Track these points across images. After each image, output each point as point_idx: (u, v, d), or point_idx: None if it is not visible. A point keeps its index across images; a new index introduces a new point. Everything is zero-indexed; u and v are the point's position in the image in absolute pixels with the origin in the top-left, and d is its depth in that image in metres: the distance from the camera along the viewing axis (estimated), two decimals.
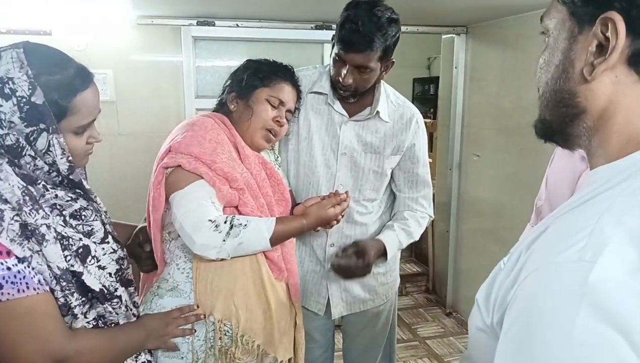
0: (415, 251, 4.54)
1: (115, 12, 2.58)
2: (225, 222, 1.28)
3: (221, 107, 1.51)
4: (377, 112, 1.62)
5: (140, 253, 1.38)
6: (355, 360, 1.95)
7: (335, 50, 1.51)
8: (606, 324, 0.44)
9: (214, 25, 2.77)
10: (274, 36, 2.86)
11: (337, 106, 1.64)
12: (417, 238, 1.76)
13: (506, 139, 2.82)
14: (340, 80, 1.52)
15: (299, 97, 1.55)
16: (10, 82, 0.96)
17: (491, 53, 2.95)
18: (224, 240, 1.26)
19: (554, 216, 0.61)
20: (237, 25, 2.80)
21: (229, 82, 1.51)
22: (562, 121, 0.66)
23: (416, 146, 1.71)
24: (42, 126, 0.98)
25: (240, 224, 1.29)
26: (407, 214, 1.75)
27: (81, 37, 2.62)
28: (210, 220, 1.27)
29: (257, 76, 1.45)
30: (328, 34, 2.89)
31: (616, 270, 0.46)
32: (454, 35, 3.22)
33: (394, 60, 1.57)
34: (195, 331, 1.33)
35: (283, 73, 1.49)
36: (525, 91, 2.63)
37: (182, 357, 1.32)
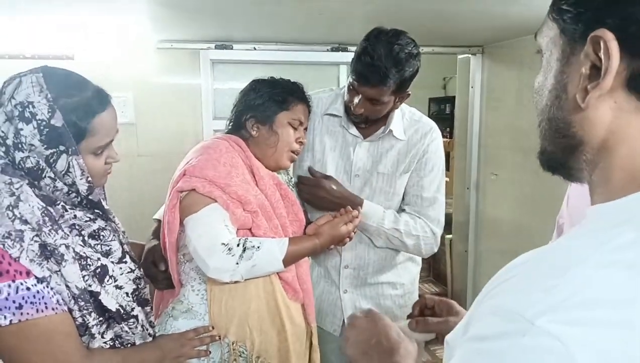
0: (433, 271, 4.49)
1: (136, 37, 2.65)
2: (238, 245, 1.29)
3: (236, 130, 1.52)
4: (391, 130, 1.62)
5: (156, 273, 1.39)
6: None
7: (350, 79, 1.52)
8: None
9: (231, 48, 2.82)
10: (291, 58, 2.90)
11: (352, 128, 1.65)
12: (402, 231, 1.63)
13: (524, 158, 2.80)
14: (352, 108, 1.54)
15: (310, 111, 1.57)
16: (30, 106, 0.99)
17: (507, 73, 2.95)
18: (237, 263, 1.27)
19: (521, 262, 0.52)
20: (255, 48, 2.84)
21: (242, 107, 1.52)
22: (562, 153, 0.58)
23: (426, 156, 1.65)
24: (61, 148, 1.01)
25: (253, 246, 1.30)
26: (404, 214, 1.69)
27: (102, 61, 2.68)
28: (224, 243, 1.28)
29: (275, 100, 1.48)
30: (344, 56, 2.93)
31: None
32: (469, 55, 3.23)
33: (409, 93, 1.55)
34: (210, 352, 1.34)
35: (297, 93, 1.51)
36: None
37: None
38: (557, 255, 0.49)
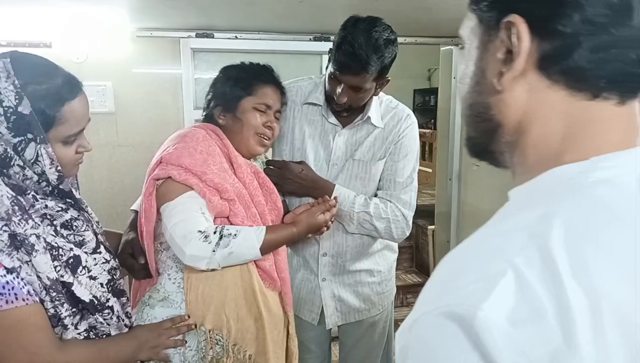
0: (416, 262, 4.52)
1: (114, 25, 2.60)
2: (214, 232, 1.28)
3: (209, 119, 1.51)
4: (368, 118, 1.62)
5: (133, 264, 1.38)
6: None
7: (331, 68, 1.51)
8: None
9: (212, 37, 2.78)
10: (273, 48, 2.87)
11: (331, 117, 1.65)
12: (372, 213, 1.62)
13: None
14: (335, 98, 1.53)
15: (283, 93, 1.56)
16: None
17: None
18: (214, 251, 1.26)
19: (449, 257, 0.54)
20: (236, 37, 2.81)
21: (210, 95, 1.52)
22: (484, 137, 0.60)
23: (401, 141, 1.66)
24: (29, 136, 0.99)
25: (230, 234, 1.29)
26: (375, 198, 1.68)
27: (81, 49, 2.64)
28: (200, 231, 1.27)
29: (238, 86, 1.46)
30: (326, 45, 2.90)
31: (499, 318, 0.41)
32: (452, 47, 3.23)
33: (389, 78, 1.56)
34: (187, 342, 1.33)
35: (264, 76, 1.50)
36: None
37: None
38: (474, 247, 0.51)
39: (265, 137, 1.49)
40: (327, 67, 1.59)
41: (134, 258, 1.38)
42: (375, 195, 1.70)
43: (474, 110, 0.60)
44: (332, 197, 1.58)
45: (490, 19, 0.55)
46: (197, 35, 2.76)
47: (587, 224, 0.45)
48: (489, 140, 0.59)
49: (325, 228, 1.53)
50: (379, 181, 1.69)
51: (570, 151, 0.51)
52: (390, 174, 1.67)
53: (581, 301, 0.40)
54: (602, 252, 0.43)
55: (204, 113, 1.54)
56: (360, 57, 1.42)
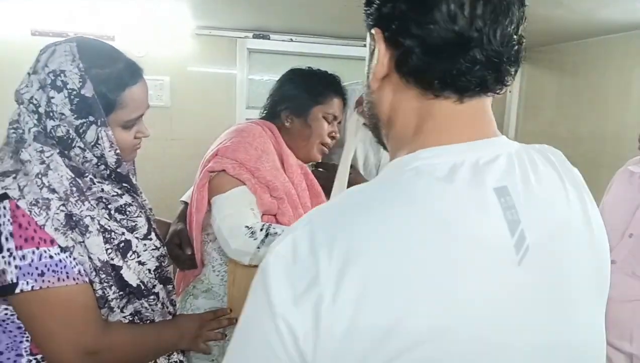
0: None
1: (175, 21, 2.66)
2: (261, 229, 1.28)
3: (270, 119, 1.51)
4: None
5: (179, 255, 1.40)
6: None
7: None
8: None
9: (269, 38, 2.82)
10: (326, 52, 2.89)
11: None
12: None
13: None
14: None
15: (345, 105, 1.55)
16: (62, 74, 0.99)
17: (548, 79, 2.86)
18: (258, 247, 1.26)
19: None
20: (291, 40, 2.84)
21: (278, 97, 1.52)
22: (374, 130, 0.71)
23: None
24: (91, 118, 1.01)
25: (276, 233, 1.29)
26: None
27: (142, 44, 2.71)
28: (247, 226, 1.27)
29: (312, 94, 1.47)
30: None
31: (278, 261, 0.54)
32: None
33: None
34: (227, 336, 1.33)
35: (334, 86, 1.50)
36: (582, 120, 2.53)
37: (213, 360, 1.32)
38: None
39: (327, 146, 1.50)
40: None
41: (180, 249, 1.40)
42: None
43: (367, 107, 0.70)
44: None
45: (369, 28, 0.64)
46: (254, 36, 2.80)
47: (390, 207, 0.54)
48: (377, 132, 0.70)
49: None
50: None
51: (413, 143, 0.61)
52: None
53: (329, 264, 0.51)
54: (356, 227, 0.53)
55: (265, 111, 1.54)
56: None
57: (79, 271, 0.99)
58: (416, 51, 0.58)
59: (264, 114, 1.54)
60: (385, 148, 0.71)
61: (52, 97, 0.99)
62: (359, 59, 3.01)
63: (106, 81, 1.02)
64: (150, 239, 1.16)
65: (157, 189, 2.91)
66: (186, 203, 1.50)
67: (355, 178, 1.58)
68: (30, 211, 0.94)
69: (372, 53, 0.64)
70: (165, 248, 1.22)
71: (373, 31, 0.62)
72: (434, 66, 0.58)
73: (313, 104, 1.45)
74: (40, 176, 0.97)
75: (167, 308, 1.21)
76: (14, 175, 0.97)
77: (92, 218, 1.02)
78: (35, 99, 1.00)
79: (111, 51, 1.07)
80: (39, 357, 1.02)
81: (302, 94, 1.46)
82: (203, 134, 2.86)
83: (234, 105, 2.89)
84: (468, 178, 0.55)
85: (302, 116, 1.46)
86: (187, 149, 2.86)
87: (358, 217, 0.53)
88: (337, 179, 1.30)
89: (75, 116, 1.00)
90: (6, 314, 1.00)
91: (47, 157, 1.00)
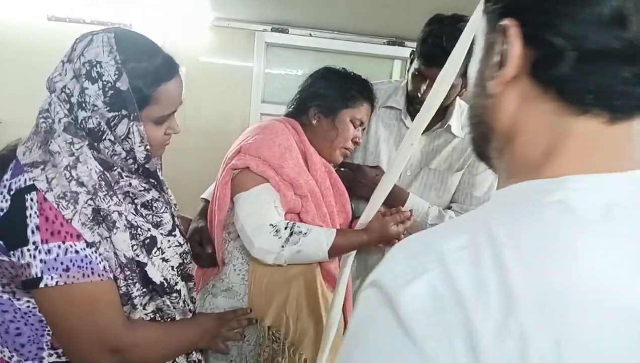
0: None
1: (193, 12, 2.64)
2: (285, 228, 1.26)
3: (296, 115, 1.49)
4: (449, 126, 1.57)
5: (200, 252, 1.38)
6: None
7: (416, 65, 1.48)
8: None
9: (287, 32, 2.79)
10: (345, 48, 2.86)
11: (409, 122, 1.60)
12: None
13: None
14: (419, 95, 1.48)
15: (372, 111, 1.53)
16: (98, 65, 0.97)
17: None
18: (283, 246, 1.24)
19: None
20: (310, 35, 2.81)
21: (309, 93, 1.49)
22: (480, 141, 0.59)
23: None
24: (124, 112, 0.99)
25: (301, 232, 1.26)
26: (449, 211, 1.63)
27: (159, 34, 2.68)
28: (272, 224, 1.25)
29: (343, 95, 1.44)
30: (399, 51, 2.87)
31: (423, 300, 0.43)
32: None
33: None
34: (245, 336, 1.31)
35: (366, 92, 1.48)
36: None
37: (231, 360, 1.31)
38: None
39: (349, 151, 1.48)
40: (408, 70, 1.55)
41: (201, 246, 1.38)
42: (449, 208, 1.64)
43: (472, 112, 0.60)
44: (405, 206, 1.53)
45: (492, 22, 0.54)
46: (272, 30, 2.77)
47: (520, 245, 0.43)
48: (484, 144, 0.59)
49: (397, 240, 1.48)
50: (454, 193, 1.63)
51: (549, 165, 0.49)
52: (467, 187, 1.61)
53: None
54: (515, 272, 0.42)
55: (292, 106, 1.52)
56: (447, 48, 1.37)
57: (104, 268, 0.97)
58: (569, 55, 0.47)
59: (290, 109, 1.51)
60: (486, 163, 0.62)
61: (86, 88, 0.96)
62: (379, 57, 2.98)
63: (143, 75, 0.99)
64: (175, 235, 1.14)
65: (169, 180, 2.90)
66: (207, 201, 1.48)
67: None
68: (58, 205, 0.92)
69: (488, 48, 0.55)
70: (188, 245, 1.20)
71: (505, 22, 0.50)
72: (588, 77, 0.47)
73: (343, 107, 1.43)
74: (69, 168, 0.95)
75: (188, 305, 1.19)
76: (42, 166, 0.94)
77: (120, 214, 0.99)
78: (68, 89, 0.98)
79: (149, 45, 1.05)
80: (59, 351, 1.00)
81: (335, 94, 1.43)
82: (217, 127, 2.85)
83: (249, 98, 2.87)
84: (627, 223, 0.44)
85: (331, 116, 1.43)
86: (201, 141, 2.85)
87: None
88: (382, 184, 1.25)
89: (108, 108, 0.98)
90: (28, 307, 0.98)
91: (77, 149, 0.97)
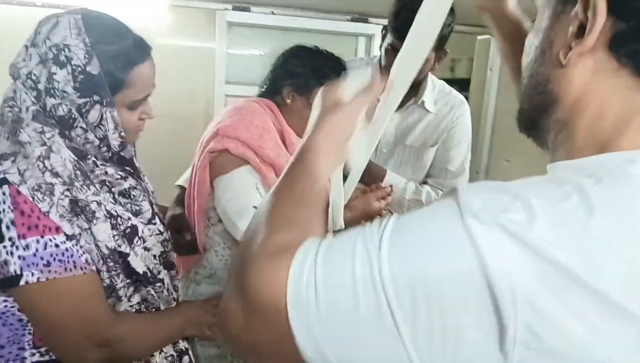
0: None
1: None
2: None
3: (270, 95, 1.45)
4: (422, 101, 1.58)
5: (178, 240, 1.34)
6: None
7: (389, 40, 1.47)
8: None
9: (249, 11, 2.72)
10: (309, 26, 2.81)
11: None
12: (425, 201, 1.61)
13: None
14: None
15: None
16: (66, 49, 0.91)
17: None
18: None
19: None
20: (273, 13, 2.75)
21: (281, 72, 1.45)
22: (536, 111, 0.58)
23: (454, 129, 1.63)
24: (95, 98, 0.94)
25: None
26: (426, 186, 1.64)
27: (114, 15, 2.58)
28: (255, 207, 1.23)
29: (318, 75, 1.41)
30: (363, 27, 2.85)
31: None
32: (490, 37, 3.15)
33: (447, 50, 1.52)
34: None
35: (339, 70, 1.46)
36: None
37: (219, 346, 1.29)
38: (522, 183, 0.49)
39: None
40: (381, 46, 1.55)
41: (179, 234, 1.34)
42: (424, 183, 1.65)
43: (533, 81, 0.57)
44: (384, 183, 1.53)
45: None
46: (234, 8, 2.70)
47: (621, 211, 0.43)
48: (540, 115, 0.57)
49: (378, 216, 1.48)
50: (430, 168, 1.65)
51: (622, 139, 0.49)
52: (442, 162, 1.63)
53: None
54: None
55: (265, 86, 1.48)
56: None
57: (86, 260, 0.93)
58: None
59: (263, 90, 1.48)
60: (534, 135, 0.61)
61: (54, 73, 0.91)
62: (343, 35, 2.96)
63: (114, 58, 0.94)
64: (155, 224, 1.10)
65: None
66: (182, 187, 1.44)
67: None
68: (33, 198, 0.87)
69: (560, 16, 0.53)
70: (168, 232, 1.17)
71: None
72: None
73: (317, 85, 1.40)
74: (42, 159, 0.90)
75: (172, 294, 1.16)
76: (12, 158, 0.89)
77: (99, 204, 0.95)
78: (34, 75, 0.92)
79: (118, 26, 0.99)
80: (42, 349, 0.96)
81: (308, 72, 1.40)
82: (179, 110, 2.77)
83: (212, 80, 2.79)
84: None
85: (305, 95, 1.40)
86: (162, 125, 2.75)
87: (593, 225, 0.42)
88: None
89: (79, 94, 0.93)
90: (6, 306, 0.93)
91: (48, 138, 0.92)
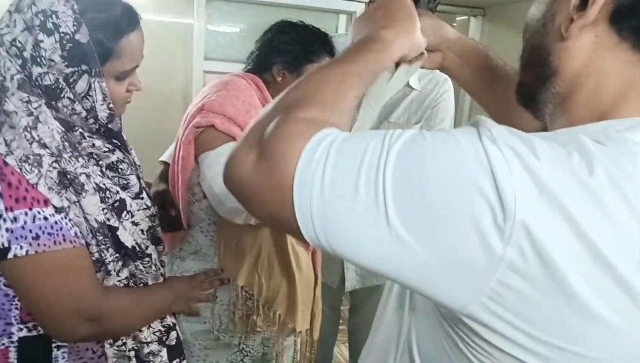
0: None
1: None
2: None
3: (258, 71, 1.43)
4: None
5: (164, 216, 1.33)
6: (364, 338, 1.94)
7: None
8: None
9: None
10: (289, 2, 2.78)
11: None
12: None
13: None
14: None
15: None
16: (54, 15, 0.88)
17: (510, 38, 2.90)
18: None
19: None
20: None
21: (270, 49, 1.43)
22: (535, 83, 0.59)
23: (438, 106, 1.64)
24: (84, 67, 0.91)
25: None
26: None
27: None
28: None
29: (308, 51, 1.39)
30: (345, 4, 2.83)
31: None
32: (469, 17, 3.17)
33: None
34: (217, 297, 1.29)
35: (328, 46, 1.44)
36: None
37: (205, 322, 1.29)
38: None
39: None
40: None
41: (164, 210, 1.33)
42: None
43: (534, 54, 0.58)
44: None
45: None
46: None
47: (625, 170, 0.44)
48: (539, 88, 0.58)
49: None
50: None
51: (620, 109, 0.51)
52: None
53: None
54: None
55: (252, 63, 1.45)
56: None
57: (76, 234, 0.91)
58: None
59: (251, 66, 1.46)
60: (532, 108, 0.61)
61: (41, 41, 0.88)
62: (324, 11, 2.93)
63: (103, 26, 0.92)
64: (142, 198, 1.09)
65: None
66: (166, 163, 1.42)
67: None
68: (21, 169, 0.85)
69: None
70: (155, 207, 1.15)
71: None
72: None
73: (307, 62, 1.39)
74: (29, 129, 0.87)
75: (159, 270, 1.15)
76: None
77: (88, 176, 0.93)
78: (20, 42, 0.89)
79: None
80: (30, 325, 0.94)
81: (298, 49, 1.39)
82: (158, 86, 2.72)
83: (191, 56, 2.75)
84: None
85: (296, 72, 1.39)
86: (141, 101, 2.69)
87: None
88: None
89: (67, 63, 0.90)
90: None
91: (35, 108, 0.89)
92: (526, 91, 0.62)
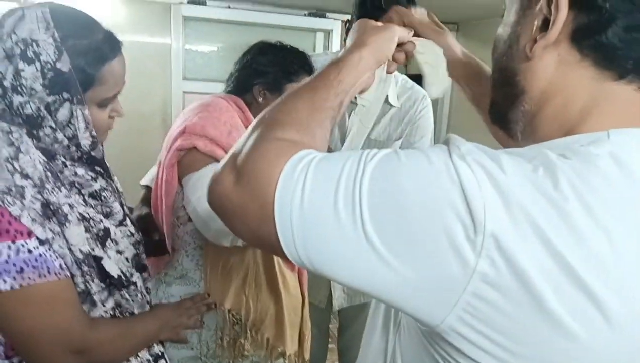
0: None
1: None
2: None
3: (239, 92, 1.42)
4: (386, 96, 1.59)
5: (147, 241, 1.31)
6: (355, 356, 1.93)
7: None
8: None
9: (205, 4, 2.68)
10: (266, 21, 2.80)
11: None
12: None
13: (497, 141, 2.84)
14: None
15: None
16: (34, 44, 0.87)
17: (483, 53, 2.93)
18: None
19: None
20: (229, 7, 2.72)
21: (250, 70, 1.42)
22: (505, 102, 0.61)
23: (417, 123, 1.66)
24: (65, 95, 0.90)
25: None
26: None
27: None
28: None
29: (288, 71, 1.40)
30: (321, 23, 2.85)
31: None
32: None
33: None
34: (204, 323, 1.27)
35: (307, 65, 1.45)
36: None
37: (192, 348, 1.27)
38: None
39: None
40: (345, 39, 1.56)
41: (147, 235, 1.31)
42: None
43: (502, 74, 0.60)
44: None
45: None
46: (189, 2, 2.65)
47: (589, 182, 0.46)
48: (509, 107, 0.60)
49: None
50: None
51: (585, 124, 0.52)
52: None
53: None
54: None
55: (232, 84, 1.45)
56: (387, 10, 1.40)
57: (60, 265, 0.89)
58: (618, 24, 0.49)
59: (231, 88, 1.45)
60: (503, 126, 0.63)
61: (22, 70, 0.86)
62: (301, 30, 2.95)
63: (85, 53, 0.91)
64: (126, 225, 1.07)
65: None
66: (148, 187, 1.40)
67: None
68: (3, 201, 0.83)
69: (526, 10, 0.55)
70: (139, 234, 1.14)
71: None
72: (632, 46, 0.49)
73: (288, 82, 1.39)
74: (10, 160, 0.86)
75: (145, 297, 1.13)
76: None
77: (71, 206, 0.92)
78: (0, 71, 0.87)
79: (88, 20, 0.96)
80: (15, 360, 0.92)
81: (277, 70, 1.39)
82: (136, 108, 2.69)
83: (169, 77, 2.74)
84: None
85: (277, 93, 1.39)
86: (121, 122, 2.67)
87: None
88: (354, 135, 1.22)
89: (48, 91, 0.89)
90: None
91: (16, 138, 0.88)
92: (497, 111, 0.64)
